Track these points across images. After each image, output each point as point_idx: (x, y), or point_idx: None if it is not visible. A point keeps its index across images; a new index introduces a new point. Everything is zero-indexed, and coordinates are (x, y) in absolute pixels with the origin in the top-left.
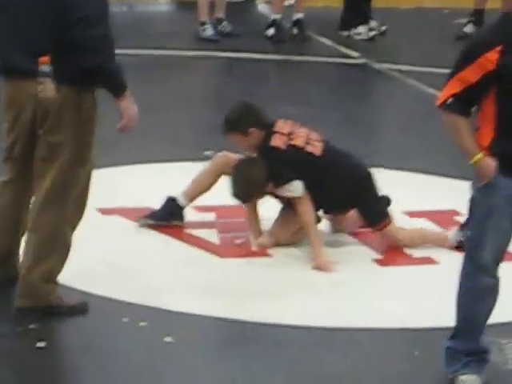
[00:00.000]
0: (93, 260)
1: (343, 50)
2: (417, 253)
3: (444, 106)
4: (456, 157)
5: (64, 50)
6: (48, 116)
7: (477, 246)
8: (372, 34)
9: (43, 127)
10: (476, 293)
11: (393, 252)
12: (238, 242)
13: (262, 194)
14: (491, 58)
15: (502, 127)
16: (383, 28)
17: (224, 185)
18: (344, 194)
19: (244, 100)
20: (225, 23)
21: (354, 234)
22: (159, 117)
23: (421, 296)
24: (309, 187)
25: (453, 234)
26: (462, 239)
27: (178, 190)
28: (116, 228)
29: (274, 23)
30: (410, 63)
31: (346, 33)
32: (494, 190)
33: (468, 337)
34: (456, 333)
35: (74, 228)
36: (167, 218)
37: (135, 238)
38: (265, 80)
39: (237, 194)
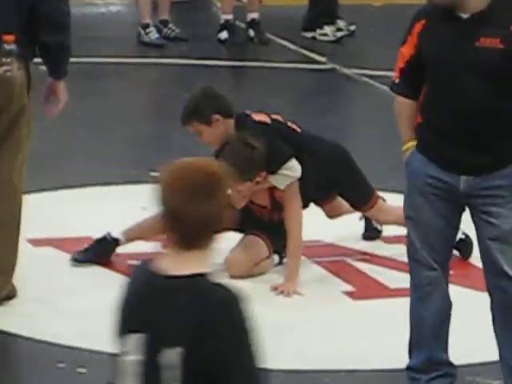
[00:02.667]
0: (23, 298)
1: (307, 53)
2: (393, 283)
3: (393, 86)
4: None
5: (29, 26)
6: (13, 96)
7: (409, 241)
8: (339, 34)
9: (8, 108)
10: (420, 290)
11: (365, 282)
12: None
13: (254, 178)
14: (417, 30)
15: (423, 107)
16: (352, 28)
17: None
18: (329, 173)
19: (206, 85)
20: (170, 25)
21: (325, 265)
22: (96, 134)
23: (396, 332)
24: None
25: None
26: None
27: (118, 218)
28: (50, 261)
29: (226, 25)
30: (383, 67)
31: (310, 34)
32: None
33: (422, 347)
34: (410, 347)
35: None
36: (97, 259)
37: (72, 273)
38: (218, 89)
39: (241, 168)
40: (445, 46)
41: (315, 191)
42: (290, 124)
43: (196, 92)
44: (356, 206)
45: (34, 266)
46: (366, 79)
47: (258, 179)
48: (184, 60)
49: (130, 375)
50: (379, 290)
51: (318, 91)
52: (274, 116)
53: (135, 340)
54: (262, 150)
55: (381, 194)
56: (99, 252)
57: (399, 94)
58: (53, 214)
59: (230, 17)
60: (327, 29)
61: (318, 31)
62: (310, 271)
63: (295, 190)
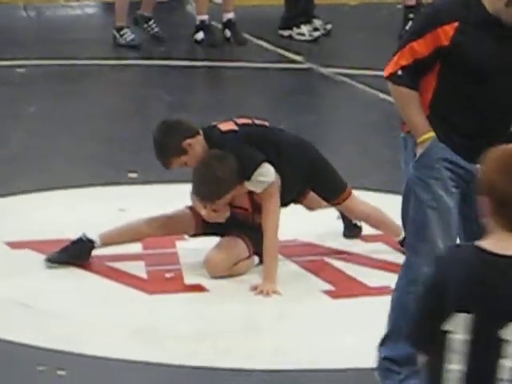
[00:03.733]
0: (1, 300)
1: (284, 53)
2: (373, 281)
3: (394, 77)
4: None
5: None
6: None
7: (427, 235)
8: (316, 34)
9: None
10: (415, 286)
11: (346, 282)
12: (169, 275)
13: (228, 193)
14: (447, 32)
15: (438, 103)
16: (328, 27)
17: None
18: (304, 162)
19: (158, 123)
20: (151, 23)
21: (304, 264)
22: (73, 135)
23: (377, 331)
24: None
25: None
26: None
27: (96, 220)
28: (28, 264)
29: (202, 25)
30: (360, 66)
31: (286, 32)
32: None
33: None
34: (386, 337)
35: None
36: (73, 261)
37: (50, 275)
38: (195, 90)
39: (205, 193)
40: (491, 52)
41: (294, 185)
42: (257, 122)
43: (155, 135)
44: (329, 199)
45: (12, 268)
46: (343, 78)
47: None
48: (161, 61)
49: (458, 353)
50: (358, 289)
51: (295, 91)
52: (241, 120)
53: (464, 320)
54: (231, 166)
55: (358, 192)
56: (75, 253)
57: (404, 86)
58: (30, 216)
59: (205, 17)
60: (304, 28)
61: (295, 30)
62: (289, 271)
63: (273, 190)
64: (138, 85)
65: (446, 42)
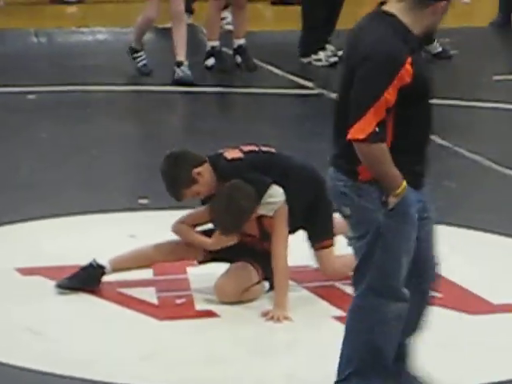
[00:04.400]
0: (12, 326)
1: (295, 79)
2: None
3: (371, 137)
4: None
5: None
6: None
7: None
8: (333, 60)
9: None
10: (387, 325)
11: None
12: (179, 301)
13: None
14: (408, 70)
15: (398, 142)
16: (340, 53)
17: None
18: (307, 196)
19: (165, 157)
20: (183, 67)
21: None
22: (84, 161)
23: None
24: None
25: None
26: None
27: (106, 246)
28: (38, 290)
29: (213, 51)
30: None
31: (306, 59)
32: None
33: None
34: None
35: None
36: (83, 287)
37: (60, 301)
38: (206, 116)
39: (229, 225)
40: (428, 74)
41: (300, 211)
42: (264, 148)
43: (164, 168)
44: (313, 239)
45: (22, 294)
46: None
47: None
48: (171, 87)
49: None
50: None
51: (305, 117)
52: (247, 148)
53: None
54: (249, 193)
55: None
56: (85, 279)
57: (382, 141)
58: (41, 242)
59: (216, 43)
60: (321, 54)
61: (313, 56)
62: (300, 296)
63: (283, 215)
64: (149, 111)
65: (408, 80)
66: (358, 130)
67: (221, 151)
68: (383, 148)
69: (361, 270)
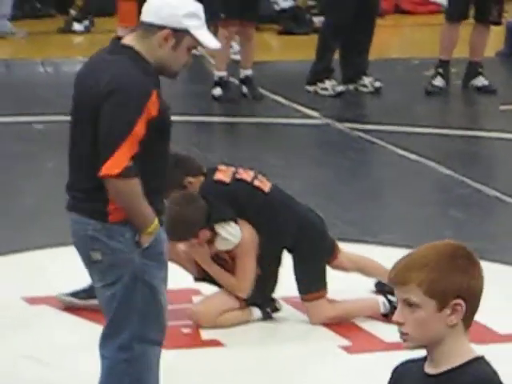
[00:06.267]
0: (18, 356)
1: (301, 108)
2: (389, 336)
3: (125, 172)
4: (428, 227)
5: None
6: None
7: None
8: (339, 89)
9: None
10: (154, 368)
11: (361, 337)
12: (186, 331)
13: (195, 235)
14: (155, 103)
15: (147, 179)
16: (377, 84)
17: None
18: (280, 242)
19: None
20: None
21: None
22: None
23: None
24: (256, 225)
25: (382, 300)
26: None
27: None
28: (44, 319)
29: (220, 81)
30: (377, 122)
31: (312, 88)
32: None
33: None
34: None
35: None
36: (87, 297)
37: (67, 330)
38: (213, 145)
39: (169, 231)
40: (168, 109)
41: (275, 256)
42: (257, 183)
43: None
44: (300, 290)
45: (29, 323)
46: (360, 133)
47: (201, 237)
48: (178, 117)
49: None
50: (375, 344)
51: (311, 146)
52: (242, 175)
53: None
54: (198, 208)
55: (374, 247)
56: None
57: (136, 176)
58: (48, 271)
59: (223, 73)
60: (327, 83)
61: (319, 85)
62: (306, 326)
63: (247, 248)
64: None
65: (154, 113)
66: (112, 166)
67: (218, 167)
68: (137, 183)
69: (119, 318)
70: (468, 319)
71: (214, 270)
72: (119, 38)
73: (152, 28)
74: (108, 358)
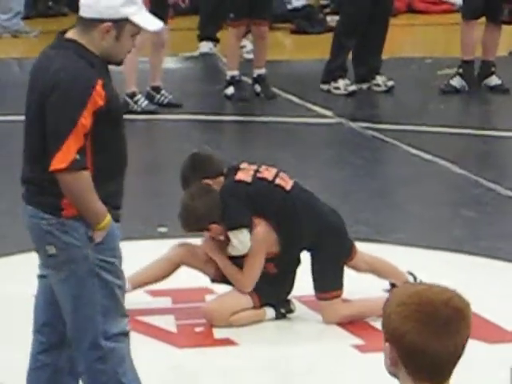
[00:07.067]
0: (17, 364)
1: (314, 108)
2: None
3: (73, 165)
4: (442, 226)
5: None
6: None
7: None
8: (351, 88)
9: None
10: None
11: (374, 336)
12: (198, 329)
13: (204, 230)
14: (100, 93)
15: (98, 172)
16: (390, 83)
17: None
18: (301, 242)
19: (191, 154)
20: (163, 92)
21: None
22: None
23: None
24: (275, 224)
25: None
26: None
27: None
28: None
29: (232, 81)
30: (390, 121)
31: (326, 86)
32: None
33: None
34: None
35: None
36: None
37: None
38: (225, 144)
39: (181, 222)
40: (118, 98)
41: (295, 254)
42: (278, 181)
43: (183, 164)
44: (316, 289)
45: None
46: (373, 133)
47: (213, 231)
48: (191, 116)
49: None
50: None
51: (324, 145)
52: (264, 173)
53: None
54: (209, 202)
55: (387, 246)
56: None
57: (85, 169)
58: None
59: (236, 73)
60: (340, 82)
61: (333, 84)
62: (319, 325)
63: (258, 248)
64: (168, 139)
65: (101, 103)
66: (59, 160)
67: (239, 165)
68: (86, 176)
69: (80, 317)
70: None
71: (222, 262)
72: (63, 33)
73: (92, 22)
74: (81, 361)
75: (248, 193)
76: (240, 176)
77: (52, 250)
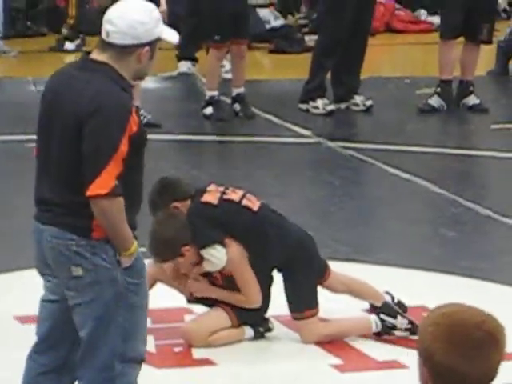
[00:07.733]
0: (13, 374)
1: (293, 127)
2: (381, 355)
3: (114, 192)
4: (421, 246)
5: None
6: None
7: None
8: (329, 108)
9: None
10: None
11: (353, 355)
12: (177, 349)
13: (177, 255)
14: (135, 119)
15: (129, 193)
16: (368, 103)
17: (158, 286)
18: (278, 260)
19: (159, 179)
20: (142, 112)
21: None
22: None
23: None
24: (244, 244)
25: (374, 319)
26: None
27: None
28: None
29: (211, 100)
30: (368, 140)
31: (304, 106)
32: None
33: None
34: None
35: None
36: None
37: None
38: (204, 164)
39: (153, 252)
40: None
41: (265, 274)
42: (245, 203)
43: (152, 189)
44: (291, 308)
45: (21, 342)
46: (351, 152)
47: (186, 255)
48: (169, 135)
49: None
50: (367, 363)
51: (303, 165)
52: (230, 195)
53: None
54: (177, 234)
55: (366, 266)
56: None
57: (121, 196)
58: (40, 290)
59: (215, 93)
60: (319, 102)
61: (311, 104)
62: (298, 345)
63: (237, 263)
64: (147, 159)
65: (135, 128)
66: (99, 186)
67: (206, 187)
68: (121, 202)
69: (97, 337)
70: None
71: (218, 294)
72: (88, 53)
73: (127, 49)
74: (87, 379)
75: (214, 215)
76: (206, 198)
77: (78, 271)
